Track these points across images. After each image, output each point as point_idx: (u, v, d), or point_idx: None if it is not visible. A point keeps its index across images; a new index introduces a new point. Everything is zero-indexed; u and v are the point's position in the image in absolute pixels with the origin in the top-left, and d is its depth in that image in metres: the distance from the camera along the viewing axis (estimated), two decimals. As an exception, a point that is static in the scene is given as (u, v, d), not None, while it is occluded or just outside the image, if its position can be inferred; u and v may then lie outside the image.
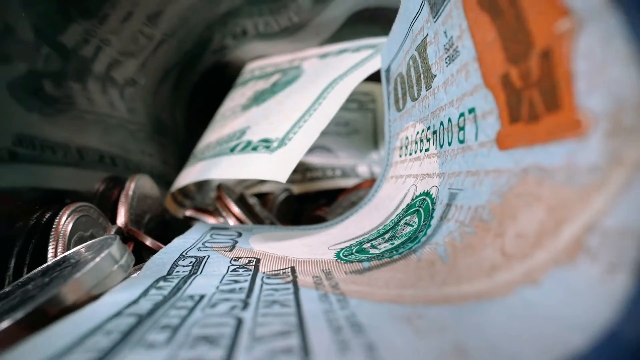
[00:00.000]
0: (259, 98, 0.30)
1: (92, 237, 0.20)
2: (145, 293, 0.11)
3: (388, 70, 0.23)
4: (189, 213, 0.27)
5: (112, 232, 0.20)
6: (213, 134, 0.31)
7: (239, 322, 0.09)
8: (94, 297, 0.12)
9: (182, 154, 0.40)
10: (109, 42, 0.28)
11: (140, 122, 0.36)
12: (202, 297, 0.11)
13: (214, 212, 0.27)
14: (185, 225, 0.29)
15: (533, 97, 0.09)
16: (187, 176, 0.27)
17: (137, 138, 0.35)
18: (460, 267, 0.10)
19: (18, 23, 0.22)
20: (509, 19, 0.09)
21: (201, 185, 0.36)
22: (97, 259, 0.12)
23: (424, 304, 0.09)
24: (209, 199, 0.36)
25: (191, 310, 0.10)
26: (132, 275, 0.14)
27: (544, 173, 0.09)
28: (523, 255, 0.09)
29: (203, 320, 0.09)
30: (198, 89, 0.44)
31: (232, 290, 0.11)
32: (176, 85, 0.41)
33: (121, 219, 0.23)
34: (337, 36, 0.38)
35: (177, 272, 0.14)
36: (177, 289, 0.12)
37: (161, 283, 0.12)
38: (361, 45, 0.31)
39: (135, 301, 0.11)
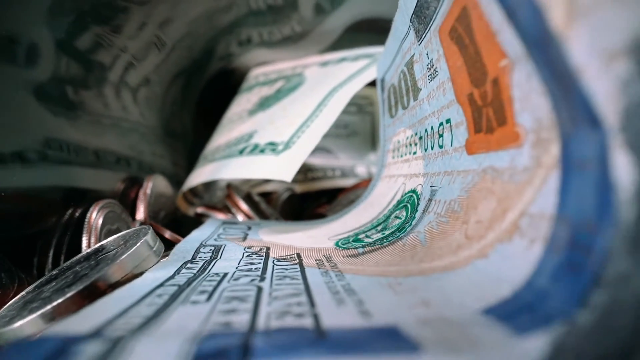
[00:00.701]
0: (264, 104, 0.33)
1: (118, 230, 0.22)
2: (177, 272, 0.14)
3: (383, 80, 0.25)
4: (200, 210, 0.30)
5: (137, 226, 0.23)
6: (222, 137, 0.34)
7: (259, 289, 0.11)
8: (135, 276, 0.14)
9: (191, 156, 0.43)
10: (126, 49, 0.30)
11: (151, 125, 0.38)
12: (225, 274, 0.13)
13: (223, 209, 0.30)
14: (194, 221, 0.32)
15: (489, 114, 0.12)
16: (199, 176, 0.30)
17: (149, 141, 0.37)
18: (434, 248, 0.13)
19: (42, 32, 0.24)
20: (471, 52, 0.12)
21: (209, 185, 0.39)
22: (137, 245, 0.15)
23: (404, 276, 0.12)
24: (215, 197, 0.39)
25: (219, 282, 0.12)
26: (162, 260, 0.16)
27: (496, 173, 0.11)
28: (480, 237, 0.11)
29: (231, 287, 0.12)
30: (205, 93, 0.46)
31: (249, 270, 0.14)
32: (184, 90, 0.44)
33: (140, 214, 0.26)
34: (337, 44, 0.40)
35: (200, 257, 0.16)
36: (203, 269, 0.14)
37: (189, 265, 0.15)
38: (359, 55, 0.34)
39: (171, 277, 0.13)
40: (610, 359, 0.06)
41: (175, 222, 0.33)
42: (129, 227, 0.24)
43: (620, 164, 0.07)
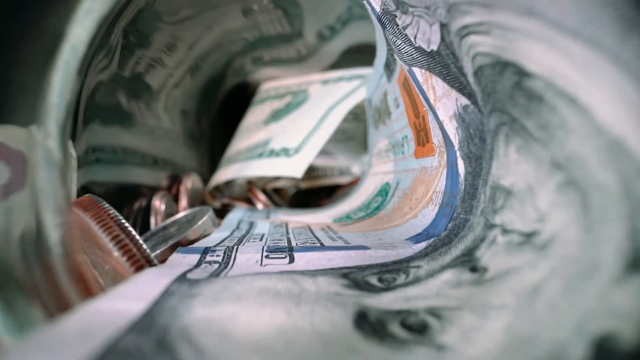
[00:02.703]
0: (276, 116, 0.42)
1: (173, 214, 0.31)
2: (232, 233, 0.23)
3: (370, 100, 0.34)
4: (226, 201, 0.38)
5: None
6: (241, 143, 0.42)
7: (288, 238, 0.20)
8: (204, 236, 0.23)
9: (212, 158, 0.51)
10: (164, 66, 0.39)
11: (177, 132, 0.47)
12: (263, 234, 0.22)
13: (245, 201, 0.39)
14: (219, 212, 0.40)
15: (422, 135, 0.20)
16: (226, 174, 0.38)
17: (178, 145, 0.46)
18: (393, 217, 0.22)
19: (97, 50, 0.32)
20: (412, 98, 0.21)
21: (229, 182, 0.47)
22: (205, 218, 0.23)
23: (372, 231, 0.20)
24: (234, 192, 0.47)
25: (262, 236, 0.21)
26: (216, 229, 0.25)
27: (425, 170, 0.20)
28: (415, 207, 0.20)
29: (270, 237, 0.20)
30: (223, 103, 0.55)
31: (277, 231, 0.23)
32: (206, 101, 0.53)
33: (183, 203, 0.35)
34: (335, 64, 0.49)
35: (241, 226, 0.25)
36: (247, 231, 0.23)
37: (236, 231, 0.24)
38: (353, 75, 0.42)
39: (230, 234, 0.22)
40: (443, 242, 0.15)
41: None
42: (177, 213, 0.32)
43: (460, 165, 0.15)
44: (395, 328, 0.09)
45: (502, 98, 0.11)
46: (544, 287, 0.09)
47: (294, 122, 0.38)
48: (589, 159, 0.08)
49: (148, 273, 0.11)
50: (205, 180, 0.45)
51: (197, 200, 0.39)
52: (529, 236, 0.10)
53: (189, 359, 0.07)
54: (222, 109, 0.55)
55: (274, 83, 0.51)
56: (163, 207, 0.30)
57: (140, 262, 0.14)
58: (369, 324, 0.10)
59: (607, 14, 0.07)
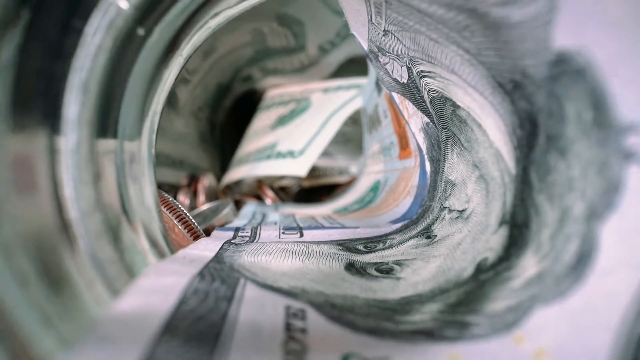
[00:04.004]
0: (282, 121, 0.47)
1: (193, 207, 0.36)
2: (249, 221, 0.28)
3: (365, 109, 0.39)
4: (238, 197, 0.44)
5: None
6: (250, 145, 0.48)
7: (297, 223, 0.25)
8: (226, 223, 0.28)
9: (222, 159, 0.57)
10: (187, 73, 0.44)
11: (192, 135, 0.52)
12: (276, 221, 0.27)
13: (254, 197, 0.44)
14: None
15: (403, 141, 0.26)
16: (237, 173, 0.44)
17: (192, 147, 0.52)
18: (381, 207, 0.27)
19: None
20: (395, 110, 0.26)
21: (237, 181, 0.53)
22: (227, 209, 0.29)
23: (363, 218, 0.26)
24: (243, 190, 0.53)
25: (275, 222, 0.26)
26: (235, 219, 0.30)
27: (406, 169, 0.25)
28: (398, 198, 0.25)
29: (282, 224, 0.26)
30: (231, 110, 0.60)
31: (287, 219, 0.28)
32: (216, 106, 0.58)
33: (202, 199, 0.40)
34: (335, 73, 0.54)
35: (256, 217, 0.30)
36: (261, 220, 0.28)
37: (253, 220, 0.29)
38: (351, 84, 0.48)
39: (249, 222, 0.27)
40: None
41: (218, 207, 0.47)
42: (196, 207, 0.38)
43: (427, 165, 0.21)
44: (372, 271, 0.15)
45: (447, 120, 0.16)
46: (463, 242, 0.14)
47: (298, 127, 0.43)
48: (489, 162, 0.14)
49: (206, 239, 0.17)
50: (217, 179, 0.50)
51: (211, 196, 0.44)
52: (461, 212, 0.16)
53: (249, 277, 0.12)
54: (231, 114, 0.60)
55: (279, 90, 0.56)
56: (187, 201, 0.35)
57: (197, 234, 0.19)
58: (355, 269, 0.15)
59: (485, 80, 0.12)
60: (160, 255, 0.13)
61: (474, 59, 0.12)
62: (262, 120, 0.52)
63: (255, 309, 0.09)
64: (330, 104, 0.44)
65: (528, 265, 0.10)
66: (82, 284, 0.09)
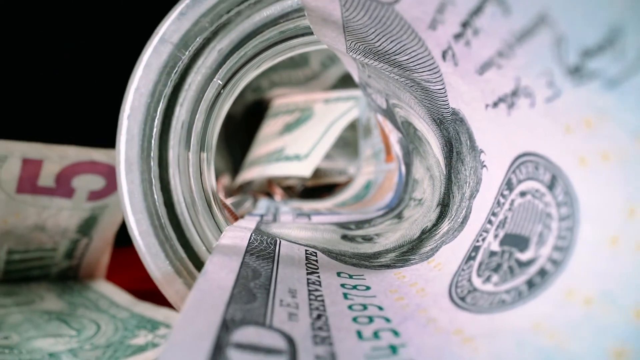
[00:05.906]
0: (288, 128, 0.55)
1: (216, 202, 0.44)
2: (265, 212, 0.36)
3: (360, 119, 0.47)
4: (251, 194, 0.52)
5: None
6: (260, 149, 0.56)
7: (307, 214, 0.33)
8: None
9: (233, 161, 0.64)
10: None
11: (208, 140, 0.60)
12: (288, 212, 0.35)
13: (265, 194, 0.52)
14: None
15: (387, 148, 0.33)
16: (250, 174, 0.52)
17: (208, 151, 0.59)
18: (371, 200, 0.35)
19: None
20: (380, 128, 0.34)
21: (249, 181, 0.61)
22: (248, 203, 0.36)
23: (355, 209, 0.34)
24: (254, 188, 0.60)
25: (288, 212, 0.34)
26: (254, 210, 0.38)
27: (390, 170, 0.33)
28: (384, 194, 0.33)
29: (294, 212, 0.33)
30: (242, 117, 0.68)
31: (296, 210, 0.36)
32: (229, 113, 0.66)
33: (221, 195, 0.48)
34: (335, 84, 0.62)
35: (270, 210, 0.38)
36: (275, 211, 0.36)
37: (269, 212, 0.37)
38: (349, 96, 0.55)
39: (265, 213, 0.35)
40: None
41: (232, 203, 0.54)
42: (218, 202, 0.46)
43: (402, 168, 0.29)
44: (359, 239, 0.23)
45: (411, 137, 0.24)
46: (417, 219, 0.22)
47: (303, 133, 0.51)
48: (433, 166, 0.22)
49: (243, 219, 0.25)
50: (231, 178, 0.58)
51: (228, 193, 0.52)
52: (419, 200, 0.23)
53: (280, 237, 0.20)
54: (242, 121, 0.68)
55: (285, 100, 0.64)
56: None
57: (237, 217, 0.27)
58: (347, 238, 0.23)
59: (427, 115, 0.20)
60: (229, 222, 0.21)
61: (419, 102, 0.20)
62: (270, 126, 0.60)
63: (288, 249, 0.17)
64: (330, 114, 0.52)
65: (444, 226, 0.18)
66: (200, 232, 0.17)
